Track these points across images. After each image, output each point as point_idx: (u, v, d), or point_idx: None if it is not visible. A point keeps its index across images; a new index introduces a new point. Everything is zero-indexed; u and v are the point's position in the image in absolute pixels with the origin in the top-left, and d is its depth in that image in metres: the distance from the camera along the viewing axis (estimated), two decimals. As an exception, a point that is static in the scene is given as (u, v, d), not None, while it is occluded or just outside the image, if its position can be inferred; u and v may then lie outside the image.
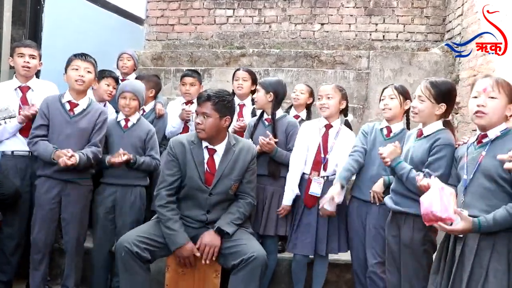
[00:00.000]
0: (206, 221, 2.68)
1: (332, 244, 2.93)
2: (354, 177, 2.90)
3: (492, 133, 2.06)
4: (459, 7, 5.06)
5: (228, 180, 2.68)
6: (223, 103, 2.64)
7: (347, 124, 3.09)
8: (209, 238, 2.58)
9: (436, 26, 5.72)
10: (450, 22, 5.44)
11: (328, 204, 2.67)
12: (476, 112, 2.06)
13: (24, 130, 2.97)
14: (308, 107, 3.72)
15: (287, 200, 2.96)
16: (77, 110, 2.91)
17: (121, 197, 3.04)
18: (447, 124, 2.43)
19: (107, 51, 4.60)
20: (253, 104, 3.68)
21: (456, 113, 4.87)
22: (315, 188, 2.91)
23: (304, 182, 2.97)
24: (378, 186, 2.74)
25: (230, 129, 2.97)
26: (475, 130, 2.20)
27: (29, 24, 4.08)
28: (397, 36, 5.80)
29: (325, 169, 2.93)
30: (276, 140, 3.02)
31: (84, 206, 2.95)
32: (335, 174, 2.91)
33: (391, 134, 2.79)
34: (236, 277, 2.49)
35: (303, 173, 2.98)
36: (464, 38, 4.84)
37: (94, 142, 2.91)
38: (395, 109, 2.77)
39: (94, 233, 3.10)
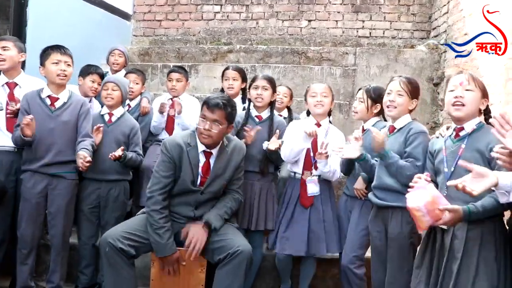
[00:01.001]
0: (194, 217, 2.68)
1: (323, 243, 2.93)
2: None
3: (468, 126, 2.13)
4: (445, 5, 5.12)
5: (221, 179, 2.69)
6: (233, 112, 2.65)
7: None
8: (197, 232, 2.57)
9: (422, 24, 5.77)
10: (436, 19, 5.50)
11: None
12: (454, 103, 2.13)
13: (10, 125, 2.94)
14: (289, 108, 3.77)
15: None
16: (58, 104, 2.89)
17: (105, 192, 3.04)
18: (414, 119, 2.55)
19: (94, 46, 4.58)
20: (243, 102, 3.66)
21: (441, 110, 4.93)
22: (313, 188, 2.92)
23: (297, 182, 2.98)
24: (359, 184, 2.82)
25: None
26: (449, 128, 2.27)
27: (13, 19, 4.05)
28: (383, 33, 5.84)
29: (316, 168, 2.94)
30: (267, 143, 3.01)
31: (70, 200, 2.93)
32: (327, 173, 2.92)
33: (364, 131, 2.84)
34: (222, 272, 2.51)
35: (295, 173, 2.99)
36: (449, 36, 4.90)
37: (86, 133, 2.91)
38: (361, 113, 2.87)
39: (79, 228, 3.09)
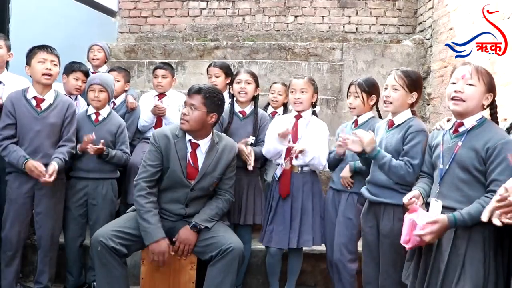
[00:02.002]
0: (185, 215, 2.67)
1: (305, 236, 2.91)
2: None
3: (468, 122, 2.05)
4: (430, 0, 5.16)
5: (211, 177, 2.68)
6: (213, 99, 2.62)
7: (314, 114, 3.09)
8: (185, 235, 2.57)
9: (408, 19, 5.81)
10: (421, 14, 5.54)
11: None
12: (453, 98, 2.04)
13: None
14: (285, 104, 3.74)
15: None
16: (44, 105, 2.84)
17: (92, 191, 3.02)
18: (415, 114, 2.48)
19: (78, 43, 4.51)
20: (230, 97, 3.64)
21: (428, 104, 4.98)
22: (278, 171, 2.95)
23: (279, 172, 2.98)
24: (345, 172, 2.80)
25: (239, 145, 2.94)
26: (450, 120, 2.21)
27: (-4, 16, 3.97)
28: (370, 29, 5.87)
29: (296, 157, 2.90)
30: (252, 138, 3.03)
31: (58, 200, 2.91)
32: (308, 164, 2.92)
33: (358, 125, 2.83)
34: (214, 268, 2.50)
35: (279, 165, 2.99)
36: (434, 31, 4.93)
37: (68, 137, 2.87)
38: (359, 108, 2.81)
39: (66, 228, 3.05)
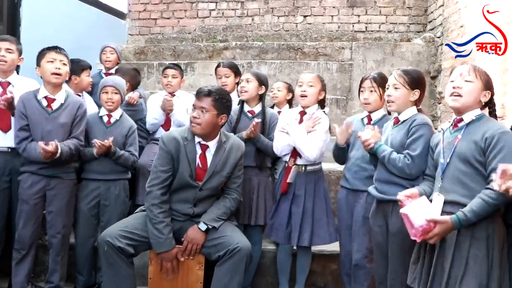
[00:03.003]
0: (192, 214, 2.67)
1: (304, 234, 2.89)
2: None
3: (467, 117, 2.09)
4: (440, -2, 5.11)
5: (219, 176, 2.67)
6: (222, 101, 2.61)
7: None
8: (193, 234, 2.57)
9: (418, 17, 5.76)
10: (431, 12, 5.49)
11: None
12: (452, 93, 2.10)
13: (4, 124, 2.91)
14: (289, 102, 3.73)
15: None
16: (54, 105, 2.86)
17: (105, 192, 3.02)
18: (421, 112, 2.47)
19: (89, 46, 4.54)
20: (238, 97, 3.66)
21: (439, 103, 4.92)
22: (292, 175, 2.92)
23: (283, 170, 2.98)
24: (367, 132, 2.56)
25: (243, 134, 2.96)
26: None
27: (7, 19, 4.02)
28: (379, 28, 5.83)
29: (300, 156, 2.90)
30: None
31: (69, 200, 2.92)
32: (312, 164, 2.92)
33: (372, 122, 2.77)
34: (221, 269, 2.49)
35: (286, 162, 2.97)
36: (445, 29, 4.88)
37: (75, 135, 2.89)
38: (375, 103, 2.76)
39: (77, 229, 3.07)
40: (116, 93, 3.08)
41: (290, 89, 3.74)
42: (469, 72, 2.08)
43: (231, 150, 2.70)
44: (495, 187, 1.81)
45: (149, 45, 6.00)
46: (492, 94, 2.12)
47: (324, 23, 5.92)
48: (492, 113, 2.14)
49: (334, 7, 5.91)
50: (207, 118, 2.58)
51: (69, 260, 3.05)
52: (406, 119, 2.42)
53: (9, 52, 2.98)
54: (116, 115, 3.12)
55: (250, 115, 3.12)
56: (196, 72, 5.27)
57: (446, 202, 2.05)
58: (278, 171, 3.32)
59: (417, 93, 2.43)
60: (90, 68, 3.59)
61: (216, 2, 6.19)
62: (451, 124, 2.16)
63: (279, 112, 3.61)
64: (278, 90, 3.70)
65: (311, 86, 2.91)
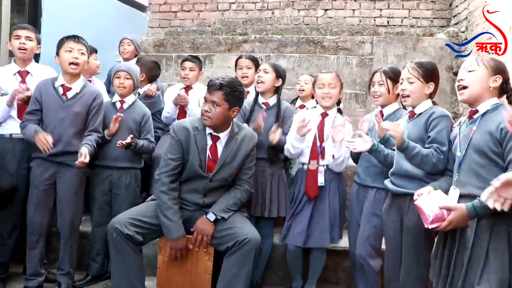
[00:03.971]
0: (202, 204, 2.66)
1: (324, 234, 2.85)
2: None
3: (482, 108, 2.03)
4: (466, -10, 4.97)
5: (229, 167, 2.65)
6: (234, 94, 2.58)
7: (339, 112, 3.02)
8: (202, 225, 2.55)
9: (442, 11, 5.62)
10: (456, 6, 5.34)
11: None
12: (458, 87, 2.08)
13: (21, 113, 2.93)
14: (314, 96, 3.67)
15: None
16: (70, 94, 2.88)
17: (116, 180, 3.04)
18: (435, 104, 2.42)
19: (109, 38, 4.58)
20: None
21: (461, 100, 4.78)
22: (320, 179, 2.85)
23: (303, 173, 2.92)
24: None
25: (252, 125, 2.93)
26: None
27: (29, 10, 4.07)
28: (401, 22, 5.72)
29: (323, 158, 2.87)
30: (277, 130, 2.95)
31: (78, 188, 2.93)
32: (336, 160, 2.86)
33: (384, 117, 2.74)
34: (230, 260, 2.47)
35: (303, 164, 2.93)
36: (470, 23, 4.74)
37: (94, 127, 2.91)
38: (384, 96, 2.72)
39: (92, 216, 3.10)
40: (128, 78, 3.09)
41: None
42: (471, 62, 2.05)
43: (242, 141, 2.68)
44: (483, 198, 1.75)
45: (168, 37, 6.01)
46: (506, 79, 2.04)
47: (345, 17, 5.83)
48: (510, 99, 2.05)
49: (355, 1, 5.82)
50: (219, 111, 2.56)
51: (82, 247, 3.07)
52: (422, 112, 2.36)
53: (29, 40, 3.02)
54: (129, 100, 3.13)
55: (264, 107, 3.08)
56: (215, 64, 5.27)
57: (462, 196, 1.98)
58: (293, 167, 3.28)
59: (431, 86, 2.37)
60: (96, 51, 3.67)
61: (237, -5, 6.16)
62: (467, 117, 2.10)
63: (302, 106, 3.57)
64: (306, 83, 3.64)
65: (333, 87, 2.88)
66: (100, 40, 4.02)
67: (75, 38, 2.88)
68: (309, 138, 2.87)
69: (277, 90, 3.11)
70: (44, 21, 4.15)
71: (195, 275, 2.57)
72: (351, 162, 3.15)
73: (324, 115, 2.92)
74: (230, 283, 2.45)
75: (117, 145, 2.92)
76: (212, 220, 2.56)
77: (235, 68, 3.72)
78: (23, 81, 3.02)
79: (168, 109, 3.71)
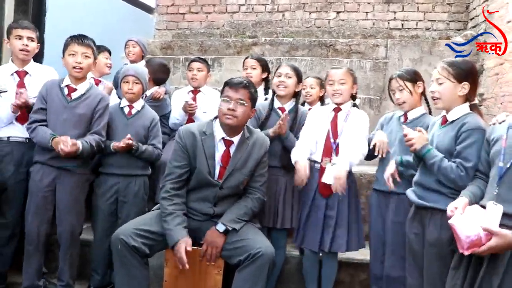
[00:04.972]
0: (213, 214, 2.52)
1: (339, 240, 2.70)
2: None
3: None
4: (484, -8, 4.80)
5: (240, 174, 2.51)
6: (256, 94, 2.56)
7: (355, 107, 2.89)
8: (212, 237, 2.40)
9: (459, 14, 5.45)
10: (474, 9, 5.17)
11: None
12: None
13: (20, 117, 2.86)
14: (321, 98, 3.53)
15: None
16: (75, 95, 2.79)
17: (124, 188, 2.91)
18: (475, 108, 2.20)
19: (116, 40, 4.45)
20: (265, 93, 3.53)
21: (480, 105, 4.61)
22: (327, 177, 2.68)
23: (316, 171, 2.75)
24: (390, 167, 2.49)
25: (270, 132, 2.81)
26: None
27: (32, 9, 3.96)
28: (416, 25, 5.55)
29: (336, 154, 2.72)
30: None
31: (78, 196, 2.81)
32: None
33: (408, 120, 2.61)
34: (242, 274, 2.31)
35: (314, 162, 2.77)
36: (489, 26, 4.56)
37: (97, 130, 2.79)
38: (409, 101, 2.60)
39: (95, 226, 2.97)
40: (137, 83, 2.96)
41: (322, 85, 3.54)
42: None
43: (254, 146, 2.54)
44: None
45: (176, 40, 5.90)
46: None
47: (358, 20, 5.68)
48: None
49: (369, 3, 5.66)
50: (244, 110, 2.46)
51: (83, 258, 2.96)
52: (455, 120, 2.17)
53: (31, 41, 2.94)
54: (137, 106, 3.01)
55: (280, 112, 2.93)
56: (223, 67, 5.14)
57: (505, 214, 1.78)
58: None
59: (466, 86, 2.16)
60: (108, 51, 3.69)
61: (246, -3, 6.04)
62: None
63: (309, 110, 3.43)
64: (311, 88, 3.50)
65: (342, 83, 2.75)
66: (106, 41, 3.91)
67: (79, 39, 2.78)
68: (321, 134, 2.75)
69: (295, 95, 2.97)
70: (48, 20, 4.04)
71: (204, 290, 2.40)
72: (366, 169, 3.00)
73: (337, 110, 2.80)
74: (242, 300, 2.28)
75: (112, 147, 2.81)
76: (222, 231, 2.40)
77: (243, 69, 3.64)
78: (21, 82, 2.92)
79: (177, 115, 3.60)
